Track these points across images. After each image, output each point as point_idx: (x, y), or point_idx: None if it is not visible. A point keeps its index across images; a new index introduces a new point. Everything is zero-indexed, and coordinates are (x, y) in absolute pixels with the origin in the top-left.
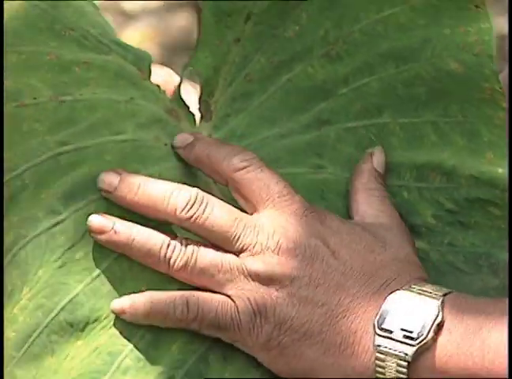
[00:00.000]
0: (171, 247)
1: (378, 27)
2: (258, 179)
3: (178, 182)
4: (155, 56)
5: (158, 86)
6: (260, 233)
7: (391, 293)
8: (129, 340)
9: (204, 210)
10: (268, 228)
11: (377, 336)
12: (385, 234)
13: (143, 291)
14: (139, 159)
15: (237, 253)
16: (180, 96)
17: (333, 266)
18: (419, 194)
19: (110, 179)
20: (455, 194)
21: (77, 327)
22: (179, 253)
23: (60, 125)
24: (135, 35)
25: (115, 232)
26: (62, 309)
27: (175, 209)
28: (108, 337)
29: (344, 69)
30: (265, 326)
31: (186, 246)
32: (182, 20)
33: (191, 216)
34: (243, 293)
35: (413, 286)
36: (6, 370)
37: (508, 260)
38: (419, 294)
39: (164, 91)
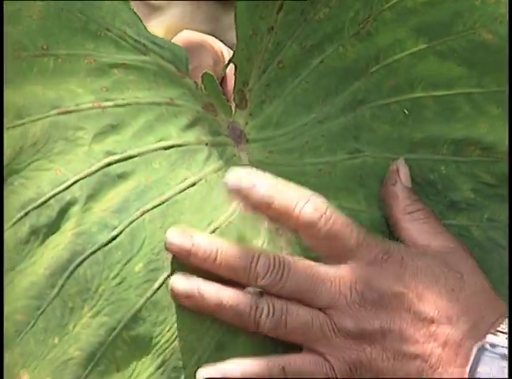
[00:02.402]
0: (259, 310)
1: (407, 3)
2: (333, 232)
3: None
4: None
5: (195, 82)
6: (342, 285)
7: (480, 340)
8: (193, 354)
9: (282, 274)
10: (349, 279)
11: None
12: (455, 262)
13: None
14: (185, 165)
15: (323, 308)
16: (217, 88)
17: (420, 314)
18: (457, 168)
19: (181, 243)
20: (493, 168)
21: (141, 342)
22: (268, 315)
23: (105, 133)
24: (160, 27)
25: (202, 297)
26: (125, 326)
27: (256, 278)
28: (172, 351)
29: (375, 47)
30: None
31: (274, 307)
32: (207, 12)
33: (272, 282)
34: (337, 351)
35: (500, 328)
36: None
37: (508, 256)
38: (508, 338)
39: (202, 87)
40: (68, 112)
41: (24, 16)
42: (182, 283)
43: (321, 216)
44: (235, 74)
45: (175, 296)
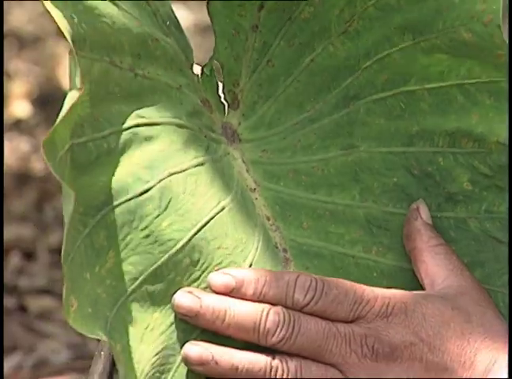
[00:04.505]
0: (273, 370)
1: (390, 0)
2: (330, 304)
3: (217, 175)
4: None
5: (197, 76)
6: (352, 342)
7: None
8: None
9: (293, 329)
10: (359, 335)
11: None
12: (465, 303)
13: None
14: (193, 146)
15: (335, 364)
16: (214, 85)
17: (432, 363)
18: (455, 159)
19: (189, 305)
20: (488, 159)
21: (155, 299)
22: (283, 374)
23: (132, 98)
24: None
25: (216, 363)
26: (145, 279)
27: (267, 335)
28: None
29: (365, 44)
30: None
31: (288, 367)
32: (212, 42)
33: (282, 338)
34: None
35: None
36: (106, 328)
37: (508, 254)
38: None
39: (202, 81)
40: (114, 65)
41: None
42: (196, 349)
43: (313, 295)
44: (222, 74)
45: (189, 363)
